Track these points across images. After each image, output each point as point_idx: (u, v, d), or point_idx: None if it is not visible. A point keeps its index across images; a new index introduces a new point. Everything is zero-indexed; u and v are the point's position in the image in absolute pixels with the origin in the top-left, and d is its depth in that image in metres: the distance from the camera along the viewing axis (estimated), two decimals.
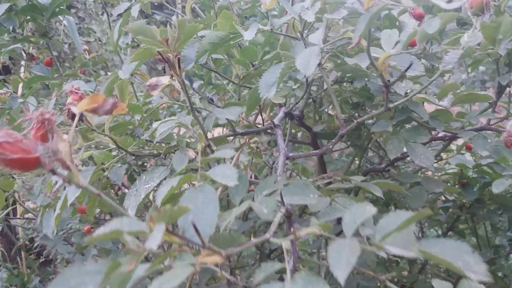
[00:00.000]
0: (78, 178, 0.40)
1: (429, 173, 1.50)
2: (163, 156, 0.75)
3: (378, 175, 1.54)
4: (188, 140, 0.69)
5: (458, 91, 0.66)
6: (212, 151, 0.61)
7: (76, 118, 0.41)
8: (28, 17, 1.43)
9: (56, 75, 1.64)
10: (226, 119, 0.60)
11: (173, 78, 0.59)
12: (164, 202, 0.46)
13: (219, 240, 0.42)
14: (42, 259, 2.30)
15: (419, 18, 1.09)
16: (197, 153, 0.62)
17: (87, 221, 1.32)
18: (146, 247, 0.31)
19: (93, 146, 0.78)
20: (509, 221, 1.48)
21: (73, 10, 5.44)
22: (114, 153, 0.79)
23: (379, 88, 1.01)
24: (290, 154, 0.68)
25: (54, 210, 0.89)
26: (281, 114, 0.81)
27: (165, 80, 0.62)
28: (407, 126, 1.10)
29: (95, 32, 5.11)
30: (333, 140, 0.66)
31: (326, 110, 1.33)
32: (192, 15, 1.14)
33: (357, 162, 1.53)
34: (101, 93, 0.76)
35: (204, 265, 0.37)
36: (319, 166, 1.35)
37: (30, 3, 1.37)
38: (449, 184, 1.50)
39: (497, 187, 0.87)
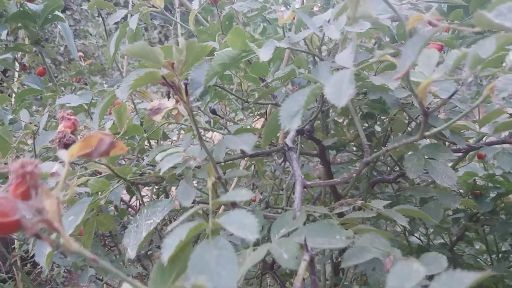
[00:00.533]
0: (69, 242, 0.33)
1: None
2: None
3: (387, 186, 1.48)
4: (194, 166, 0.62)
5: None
6: (223, 183, 0.54)
7: (66, 167, 0.34)
8: (20, 24, 1.35)
9: (50, 83, 1.57)
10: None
11: (179, 103, 0.52)
12: (172, 258, 0.39)
13: None
14: (38, 270, 2.23)
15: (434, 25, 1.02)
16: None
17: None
18: None
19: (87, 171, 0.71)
20: None
21: (68, 12, 5.36)
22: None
23: (395, 101, 0.94)
24: (308, 183, 0.61)
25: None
26: (292, 133, 0.74)
27: (169, 104, 0.55)
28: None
29: (91, 35, 5.03)
30: (357, 168, 0.59)
31: (332, 119, 1.26)
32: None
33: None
34: (97, 113, 0.69)
35: None
36: (326, 176, 1.29)
37: (21, 9, 1.29)
38: (461, 194, 1.44)
39: None
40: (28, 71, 1.45)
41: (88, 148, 0.35)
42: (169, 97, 0.51)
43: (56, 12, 1.40)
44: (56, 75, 4.92)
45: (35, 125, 1.00)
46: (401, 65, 0.36)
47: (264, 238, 0.65)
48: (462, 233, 1.54)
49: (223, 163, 0.67)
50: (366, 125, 1.30)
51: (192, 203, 0.56)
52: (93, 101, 1.26)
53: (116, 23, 1.03)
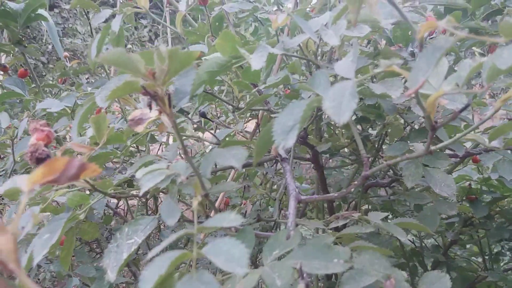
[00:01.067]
0: (27, 285, 0.28)
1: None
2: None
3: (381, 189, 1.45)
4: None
5: None
6: (211, 202, 0.49)
7: (25, 198, 0.29)
8: (0, 24, 1.29)
9: (33, 85, 1.51)
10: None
11: (162, 114, 0.47)
12: None
13: None
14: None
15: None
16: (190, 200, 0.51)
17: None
18: None
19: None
20: None
21: (56, 10, 5.27)
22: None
23: (392, 107, 0.90)
24: (302, 197, 0.57)
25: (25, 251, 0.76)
26: None
27: (152, 114, 0.50)
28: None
29: (80, 33, 4.95)
30: (355, 183, 0.55)
31: (325, 123, 1.23)
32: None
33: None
34: (76, 122, 0.64)
35: None
36: (319, 181, 1.25)
37: (1, 8, 1.23)
38: (456, 199, 1.41)
39: None
40: (9, 72, 1.39)
41: (54, 173, 0.31)
42: (150, 108, 0.46)
43: (40, 11, 1.34)
44: (44, 73, 4.84)
45: (14, 127, 0.95)
46: (413, 79, 0.32)
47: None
48: (457, 237, 1.52)
49: (211, 176, 0.62)
50: (361, 129, 1.27)
51: (178, 221, 0.52)
52: (79, 102, 1.21)
53: (105, 21, 0.98)
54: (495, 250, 1.72)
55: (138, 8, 0.71)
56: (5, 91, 1.21)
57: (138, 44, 6.12)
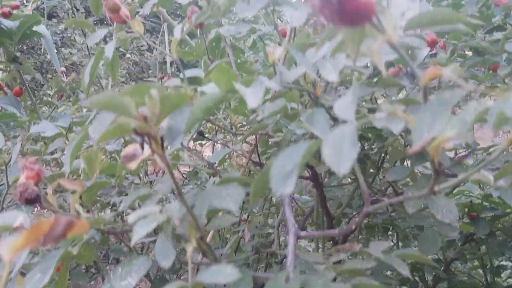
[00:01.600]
0: None
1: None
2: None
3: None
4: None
5: None
6: (208, 245, 0.48)
7: (6, 269, 0.27)
8: None
9: (29, 101, 1.49)
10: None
11: (150, 149, 0.46)
12: None
13: None
14: None
15: (433, 44, 0.97)
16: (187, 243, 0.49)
17: None
18: None
19: None
20: None
21: (54, 20, 5.26)
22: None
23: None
24: (302, 234, 0.55)
25: None
26: None
27: (145, 151, 0.49)
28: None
29: (78, 43, 4.94)
30: (356, 219, 0.53)
31: None
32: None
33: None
34: (68, 155, 0.62)
35: None
36: (319, 198, 1.23)
37: None
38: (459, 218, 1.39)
39: None
40: (3, 89, 1.37)
41: (38, 237, 0.29)
42: (143, 148, 0.44)
43: (35, 28, 1.33)
44: (42, 83, 4.82)
45: (7, 153, 0.93)
46: (418, 133, 0.30)
47: None
48: (459, 254, 1.50)
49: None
50: (360, 146, 1.25)
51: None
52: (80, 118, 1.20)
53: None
54: (496, 263, 1.70)
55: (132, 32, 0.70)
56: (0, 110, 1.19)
57: (137, 54, 6.11)
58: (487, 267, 1.61)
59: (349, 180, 1.41)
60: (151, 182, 0.82)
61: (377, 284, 0.55)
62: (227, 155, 0.92)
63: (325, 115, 0.42)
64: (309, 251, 1.99)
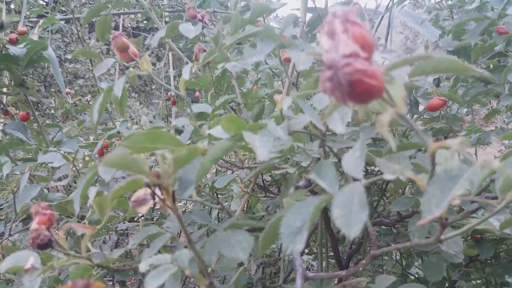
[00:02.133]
0: None
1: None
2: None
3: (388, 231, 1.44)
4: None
5: None
6: None
7: None
8: (1, 67, 1.29)
9: (35, 124, 1.51)
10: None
11: (161, 198, 0.46)
12: None
13: None
14: None
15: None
16: None
17: None
18: None
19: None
20: None
21: (58, 35, 5.31)
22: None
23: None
24: (310, 275, 0.56)
25: None
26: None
27: (156, 199, 0.49)
28: None
29: (82, 59, 4.98)
30: (363, 262, 0.53)
31: None
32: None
33: None
34: (78, 193, 0.63)
35: None
36: (323, 221, 1.23)
37: (3, 53, 1.24)
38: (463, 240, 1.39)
39: None
40: (11, 115, 1.39)
41: None
42: (154, 198, 0.45)
43: (42, 53, 1.34)
44: (46, 96, 4.85)
45: (15, 183, 0.94)
46: (427, 207, 0.31)
47: None
48: (463, 278, 1.50)
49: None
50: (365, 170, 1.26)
51: None
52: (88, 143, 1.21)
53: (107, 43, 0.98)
54: (499, 281, 1.70)
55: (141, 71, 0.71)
56: (7, 137, 1.20)
57: None
58: (492, 283, 1.60)
59: None
60: (158, 218, 0.83)
61: None
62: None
63: (332, 168, 0.43)
64: (312, 265, 1.99)
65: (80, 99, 1.63)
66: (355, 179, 0.38)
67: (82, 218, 1.10)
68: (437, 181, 0.32)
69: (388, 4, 1.56)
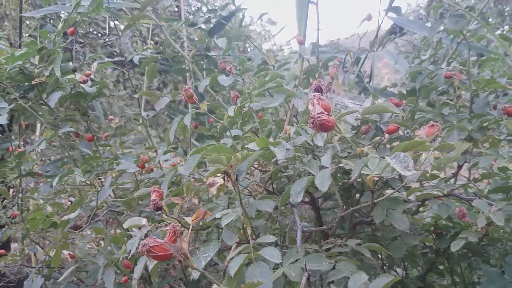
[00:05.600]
0: (192, 264, 0.68)
1: None
2: None
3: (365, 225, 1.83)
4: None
5: None
6: (253, 231, 0.89)
7: (190, 228, 0.69)
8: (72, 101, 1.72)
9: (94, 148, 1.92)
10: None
11: (226, 181, 0.88)
12: (236, 273, 0.74)
13: None
14: None
15: (396, 105, 1.41)
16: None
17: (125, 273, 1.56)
18: None
19: None
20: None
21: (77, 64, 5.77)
22: None
23: None
24: (305, 229, 0.97)
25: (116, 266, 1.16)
26: None
27: (219, 180, 0.91)
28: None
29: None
30: (336, 220, 0.95)
31: None
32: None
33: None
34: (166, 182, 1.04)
35: None
36: (316, 219, 1.64)
37: (77, 90, 1.67)
38: (426, 234, 1.77)
39: (454, 247, 1.16)
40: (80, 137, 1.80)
41: (199, 216, 0.71)
42: (224, 180, 0.87)
43: (102, 91, 1.77)
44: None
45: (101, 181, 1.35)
46: (353, 174, 0.73)
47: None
48: (431, 265, 1.87)
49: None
50: (347, 179, 1.67)
51: None
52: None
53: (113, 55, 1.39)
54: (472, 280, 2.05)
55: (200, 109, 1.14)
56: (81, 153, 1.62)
57: None
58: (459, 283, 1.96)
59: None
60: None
61: (347, 258, 0.96)
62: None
63: (316, 163, 0.85)
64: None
65: (121, 125, 2.06)
66: (325, 167, 0.80)
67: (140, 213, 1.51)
68: (357, 163, 0.74)
69: (374, 44, 1.98)
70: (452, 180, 1.51)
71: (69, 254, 1.70)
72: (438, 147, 0.82)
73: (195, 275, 0.90)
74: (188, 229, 0.81)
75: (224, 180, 0.86)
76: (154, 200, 0.93)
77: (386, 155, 0.75)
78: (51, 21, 3.69)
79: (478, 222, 1.17)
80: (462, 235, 1.24)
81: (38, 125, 3.02)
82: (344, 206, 0.96)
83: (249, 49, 3.46)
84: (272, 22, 2.23)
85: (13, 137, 1.95)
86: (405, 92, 1.59)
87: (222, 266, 0.93)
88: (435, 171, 1.52)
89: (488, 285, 1.41)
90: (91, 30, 4.65)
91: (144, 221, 0.96)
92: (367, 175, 0.80)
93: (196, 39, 2.14)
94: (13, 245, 3.00)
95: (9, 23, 3.77)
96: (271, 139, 1.08)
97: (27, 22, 3.58)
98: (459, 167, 1.36)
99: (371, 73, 2.34)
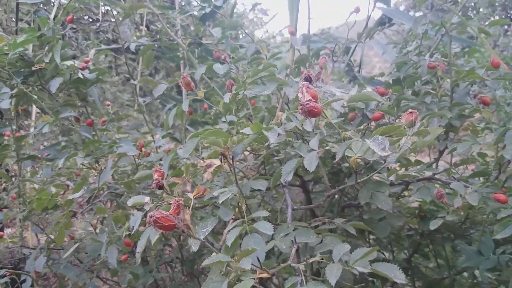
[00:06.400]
0: (194, 233, 0.76)
1: None
2: None
3: (353, 209, 1.93)
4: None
5: None
6: (248, 209, 0.98)
7: (192, 201, 0.78)
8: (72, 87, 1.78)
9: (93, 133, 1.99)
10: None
11: (223, 162, 0.96)
12: (233, 244, 0.82)
13: (266, 265, 0.79)
14: None
15: (381, 94, 1.49)
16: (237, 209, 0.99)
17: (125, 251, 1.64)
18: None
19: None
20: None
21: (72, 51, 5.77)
22: None
23: None
24: (295, 207, 1.06)
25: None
26: None
27: (217, 162, 1.00)
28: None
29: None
30: (323, 199, 1.04)
31: None
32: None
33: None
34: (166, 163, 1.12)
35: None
36: (306, 202, 1.74)
37: (77, 77, 1.73)
38: (411, 217, 1.87)
39: (433, 225, 1.25)
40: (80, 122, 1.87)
41: (200, 191, 0.79)
42: (221, 161, 0.95)
43: (101, 77, 1.84)
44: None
45: (100, 166, 1.43)
46: (337, 155, 0.81)
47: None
48: (416, 247, 1.97)
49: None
50: (336, 163, 1.76)
51: None
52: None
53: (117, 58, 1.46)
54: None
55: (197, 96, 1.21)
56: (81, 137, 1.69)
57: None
58: (444, 266, 2.05)
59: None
60: None
61: (333, 234, 1.05)
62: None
63: (305, 147, 0.94)
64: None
65: (117, 110, 2.12)
66: (313, 150, 0.89)
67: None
68: (341, 145, 0.82)
69: (361, 35, 2.06)
70: (434, 165, 1.60)
71: (69, 235, 1.78)
72: (416, 132, 0.91)
73: (194, 247, 0.98)
74: (188, 207, 0.89)
75: (221, 161, 0.95)
76: (157, 179, 1.01)
77: (367, 139, 0.83)
78: (44, 7, 3.71)
79: (455, 202, 1.26)
80: (440, 215, 1.33)
81: (34, 110, 3.07)
82: (330, 187, 1.05)
83: (241, 36, 3.52)
84: (264, 12, 2.29)
85: (6, 122, 2.02)
86: (391, 81, 1.67)
87: (217, 246, 1.02)
88: (416, 157, 1.63)
89: (465, 262, 1.51)
90: (82, 15, 4.68)
91: (147, 198, 1.04)
92: (351, 157, 0.88)
93: (192, 28, 2.21)
94: (6, 230, 3.06)
95: (1, 7, 3.79)
96: (264, 125, 1.16)
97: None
98: (441, 152, 1.45)
99: (360, 63, 2.42)
